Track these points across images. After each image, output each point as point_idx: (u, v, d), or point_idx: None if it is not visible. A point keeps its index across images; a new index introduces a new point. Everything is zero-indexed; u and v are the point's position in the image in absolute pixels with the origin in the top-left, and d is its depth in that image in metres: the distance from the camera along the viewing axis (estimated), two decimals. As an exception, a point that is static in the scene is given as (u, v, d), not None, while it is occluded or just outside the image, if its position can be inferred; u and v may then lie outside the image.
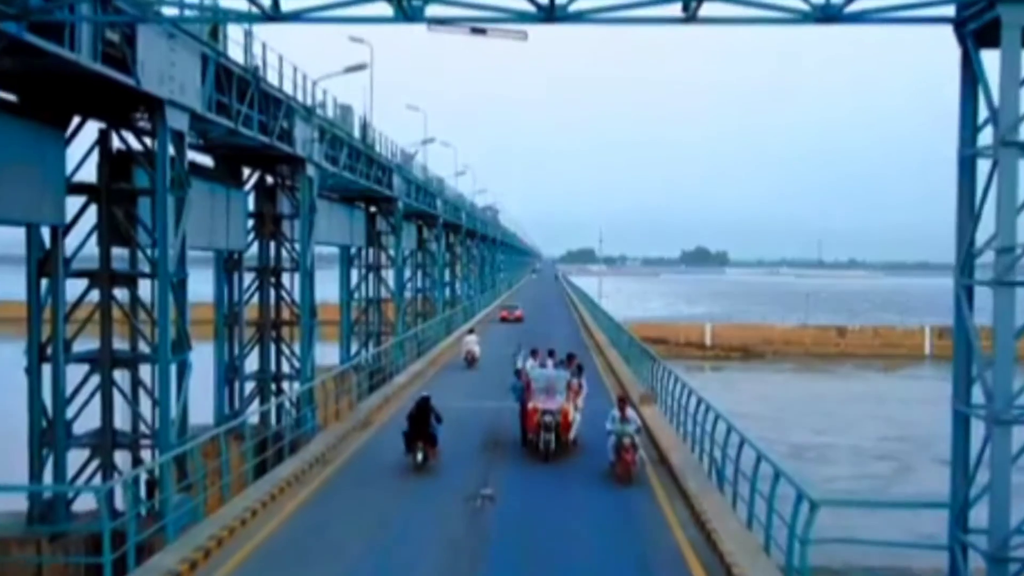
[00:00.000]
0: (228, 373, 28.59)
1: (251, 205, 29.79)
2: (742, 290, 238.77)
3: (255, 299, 30.19)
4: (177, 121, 18.46)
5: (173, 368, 18.77)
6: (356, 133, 37.16)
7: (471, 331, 46.12)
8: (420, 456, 20.88)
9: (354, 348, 45.53)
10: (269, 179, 29.88)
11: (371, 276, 46.73)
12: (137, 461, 19.44)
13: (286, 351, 30.13)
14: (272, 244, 29.98)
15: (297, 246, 29.49)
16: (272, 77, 25.12)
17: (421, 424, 21.12)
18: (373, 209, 45.90)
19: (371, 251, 46.54)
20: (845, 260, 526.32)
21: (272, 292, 29.79)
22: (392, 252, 46.66)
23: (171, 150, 18.47)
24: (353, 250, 45.69)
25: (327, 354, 47.48)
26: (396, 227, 45.72)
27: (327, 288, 47.45)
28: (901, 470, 41.63)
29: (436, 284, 65.15)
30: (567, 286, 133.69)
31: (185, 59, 18.76)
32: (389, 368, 35.96)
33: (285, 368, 30.61)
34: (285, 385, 30.29)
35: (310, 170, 28.74)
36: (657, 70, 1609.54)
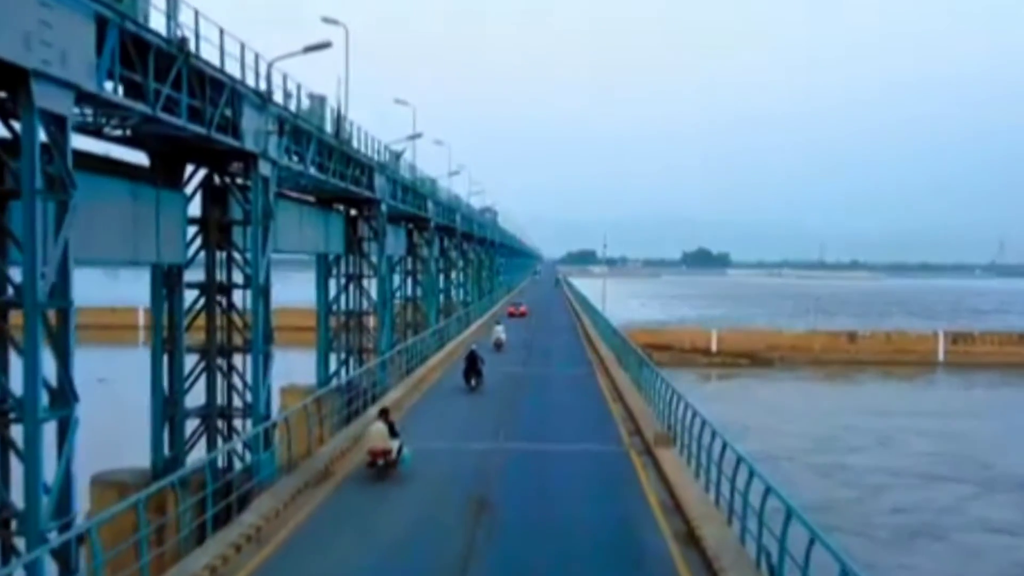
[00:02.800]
0: (167, 409, 24.08)
1: (197, 210, 25.30)
2: (745, 292, 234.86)
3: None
4: (53, 101, 13.89)
5: (53, 427, 14.25)
6: (329, 128, 32.67)
7: (498, 322, 56.99)
8: (473, 383, 35.41)
9: (340, 363, 41.40)
10: (220, 179, 25.21)
11: (352, 286, 42.19)
12: (8, 554, 14.85)
13: (238, 382, 25.47)
14: (222, 256, 25.31)
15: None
16: (211, 55, 20.63)
17: (472, 365, 35.80)
18: (354, 213, 41.38)
19: (352, 259, 42.04)
20: (847, 261, 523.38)
21: (221, 312, 25.12)
22: (376, 259, 42.03)
23: (43, 137, 13.93)
24: (332, 257, 41.29)
25: (305, 368, 43.10)
26: (379, 232, 41.09)
27: (307, 290, 43.52)
28: (971, 497, 37.46)
29: (428, 292, 60.50)
30: (568, 291, 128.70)
31: (67, 20, 14.19)
32: (365, 395, 31.36)
33: (239, 402, 25.96)
34: (240, 423, 25.64)
35: (264, 168, 24.17)
36: (658, 72, 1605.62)
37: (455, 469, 22.12)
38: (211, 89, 20.53)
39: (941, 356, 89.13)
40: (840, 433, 52.23)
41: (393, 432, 22.07)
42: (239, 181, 25.15)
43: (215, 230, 24.63)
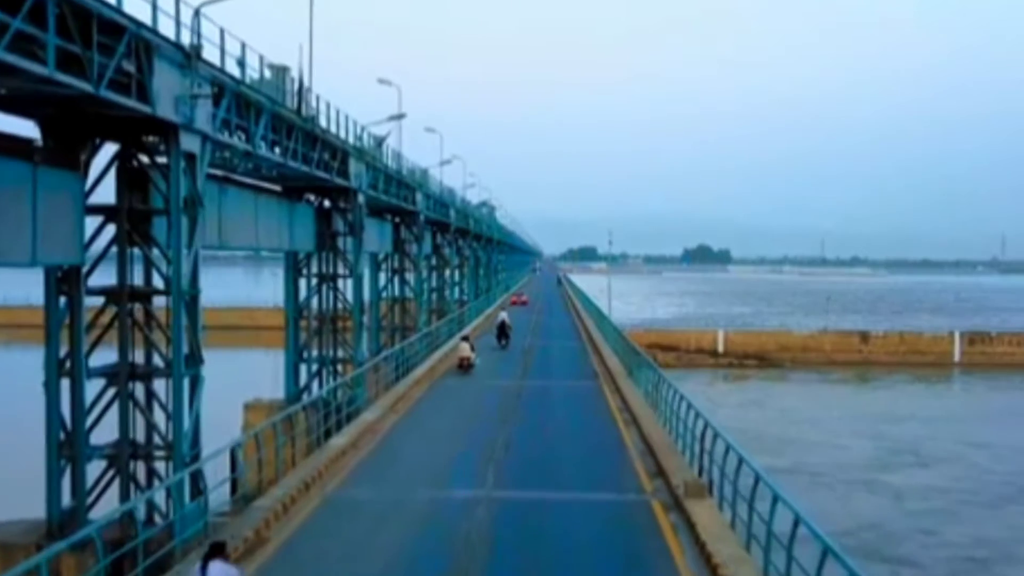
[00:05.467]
0: (66, 447, 18.99)
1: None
2: (747, 289, 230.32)
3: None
4: None
5: None
6: (294, 103, 27.60)
7: (503, 308, 65.59)
8: (503, 343, 49.24)
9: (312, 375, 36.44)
10: (135, 158, 20.05)
11: (325, 288, 37.09)
12: None
13: (160, 413, 20.30)
14: (138, 255, 20.15)
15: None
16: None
17: (503, 330, 49.96)
18: (328, 205, 36.27)
19: (325, 257, 36.95)
20: (848, 258, 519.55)
21: (134, 325, 19.93)
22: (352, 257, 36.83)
23: None
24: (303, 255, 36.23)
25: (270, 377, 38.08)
26: (355, 226, 35.94)
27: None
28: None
29: (417, 292, 55.30)
30: (570, 289, 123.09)
31: None
32: (328, 420, 26.19)
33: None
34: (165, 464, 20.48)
35: (189, 142, 19.05)
36: (659, 71, 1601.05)
37: (425, 537, 16.96)
38: (101, 33, 15.39)
39: (957, 357, 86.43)
40: (875, 444, 47.60)
41: (472, 348, 40.52)
42: (163, 161, 20.04)
43: (125, 222, 19.46)
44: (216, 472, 18.89)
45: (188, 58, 18.73)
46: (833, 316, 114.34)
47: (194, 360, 19.43)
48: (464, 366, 39.70)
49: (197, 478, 18.46)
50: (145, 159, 19.94)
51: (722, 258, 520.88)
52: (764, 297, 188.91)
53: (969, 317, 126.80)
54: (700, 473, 19.82)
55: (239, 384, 40.74)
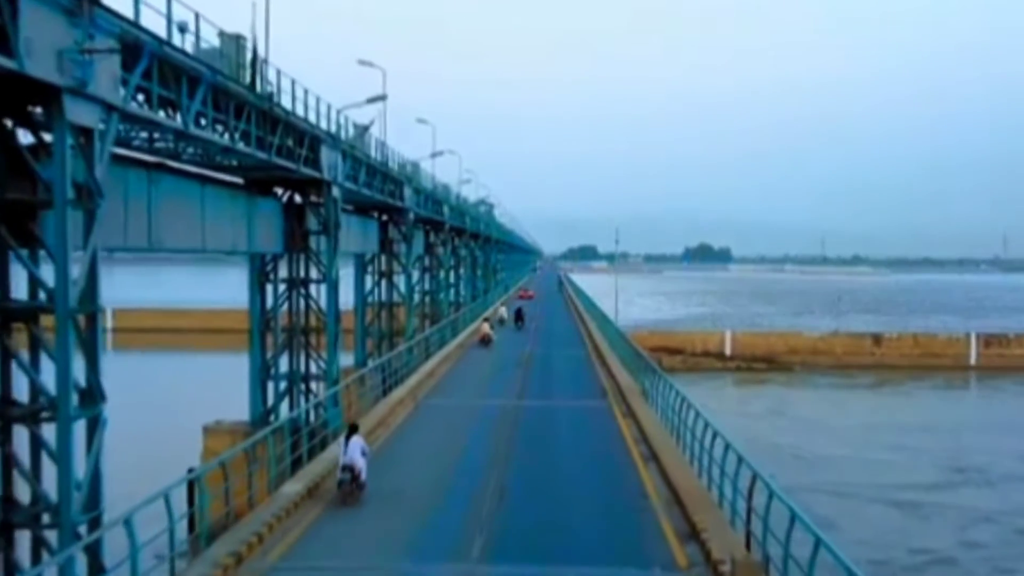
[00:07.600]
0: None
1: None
2: (749, 288, 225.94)
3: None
4: None
5: None
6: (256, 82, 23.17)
7: (503, 304, 74.28)
8: (520, 324, 62.52)
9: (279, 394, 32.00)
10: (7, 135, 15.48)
11: (295, 294, 32.62)
12: None
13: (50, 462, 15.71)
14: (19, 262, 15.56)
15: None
16: None
17: (519, 315, 64.13)
18: (299, 200, 31.81)
19: (296, 258, 32.50)
20: (849, 256, 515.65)
21: (11, 354, 15.33)
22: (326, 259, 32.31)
23: None
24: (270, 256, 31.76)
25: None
26: (329, 223, 31.43)
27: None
28: None
29: (405, 296, 50.81)
30: (572, 291, 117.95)
31: None
32: (280, 465, 21.60)
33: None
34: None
35: (80, 113, 14.50)
36: (659, 69, 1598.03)
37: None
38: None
39: (973, 360, 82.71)
40: (913, 458, 43.25)
41: (491, 327, 53.05)
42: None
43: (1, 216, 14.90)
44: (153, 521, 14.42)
45: (78, 1, 14.22)
46: (843, 317, 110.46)
47: (92, 397, 14.91)
48: (485, 341, 50.94)
49: (96, 552, 14.02)
50: (31, 137, 15.41)
51: (723, 257, 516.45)
52: (767, 296, 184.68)
53: (982, 318, 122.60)
54: (748, 540, 15.27)
55: (226, 390, 36.64)
